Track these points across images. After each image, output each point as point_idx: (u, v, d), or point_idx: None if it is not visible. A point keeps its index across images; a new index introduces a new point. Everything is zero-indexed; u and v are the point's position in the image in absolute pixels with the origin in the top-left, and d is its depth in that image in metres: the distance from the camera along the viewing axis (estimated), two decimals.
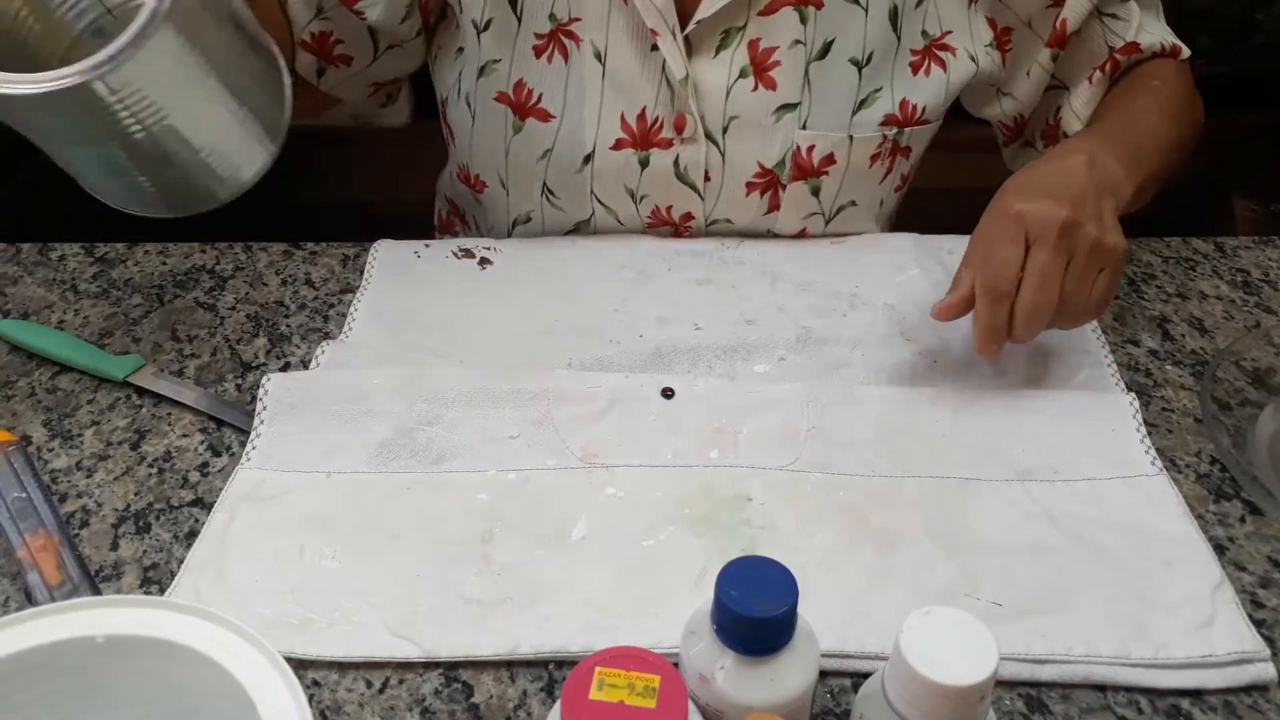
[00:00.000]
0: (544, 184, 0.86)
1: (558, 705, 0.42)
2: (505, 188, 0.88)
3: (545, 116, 0.83)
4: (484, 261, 0.86)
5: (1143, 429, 0.69)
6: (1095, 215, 0.66)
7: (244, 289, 0.84)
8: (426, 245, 0.87)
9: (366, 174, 1.60)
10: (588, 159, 0.83)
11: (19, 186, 1.24)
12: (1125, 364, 0.76)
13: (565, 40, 0.80)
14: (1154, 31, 0.84)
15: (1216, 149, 1.92)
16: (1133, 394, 0.72)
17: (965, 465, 0.67)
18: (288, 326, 0.80)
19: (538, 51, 0.81)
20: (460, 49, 0.86)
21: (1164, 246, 0.90)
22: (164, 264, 0.86)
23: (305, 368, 0.75)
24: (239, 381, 0.75)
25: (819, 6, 0.79)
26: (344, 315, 0.80)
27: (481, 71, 0.83)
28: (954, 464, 0.66)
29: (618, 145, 0.83)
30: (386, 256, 0.86)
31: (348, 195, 1.67)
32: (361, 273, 0.84)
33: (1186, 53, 0.85)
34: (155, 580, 0.60)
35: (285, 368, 0.76)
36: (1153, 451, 0.68)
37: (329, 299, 0.82)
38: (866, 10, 0.79)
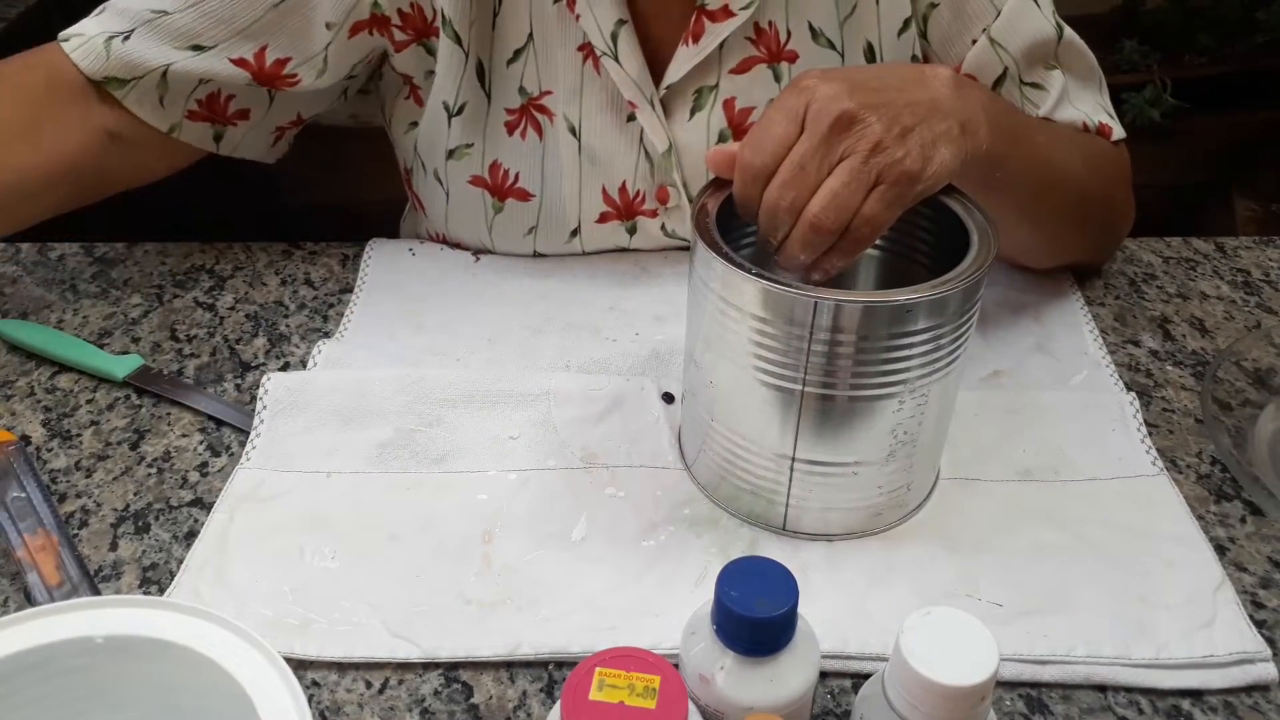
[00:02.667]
0: (534, 250, 0.84)
1: (558, 706, 0.42)
2: (494, 254, 0.86)
3: (525, 196, 0.80)
4: (478, 253, 0.86)
5: (1143, 429, 0.69)
6: (900, 123, 0.55)
7: (243, 289, 0.84)
8: (421, 242, 0.87)
9: (366, 173, 1.60)
10: (574, 232, 0.82)
11: None
12: (1126, 364, 0.76)
13: (537, 115, 0.78)
14: (1081, 106, 0.78)
15: (1217, 149, 1.93)
16: (1133, 394, 0.72)
17: (966, 465, 0.67)
18: (287, 326, 0.80)
19: (510, 128, 0.79)
20: (414, 123, 0.82)
21: (1164, 246, 0.90)
22: (163, 264, 0.86)
23: (304, 367, 0.75)
24: (238, 381, 0.75)
25: (792, 61, 0.76)
26: (343, 315, 0.80)
27: (451, 154, 0.80)
28: (954, 464, 0.66)
29: (602, 219, 0.81)
30: (381, 255, 0.86)
31: (348, 195, 1.66)
32: (359, 273, 0.84)
33: (1118, 134, 0.79)
34: (154, 580, 0.60)
35: (285, 367, 0.76)
36: (1153, 452, 0.68)
37: (328, 299, 0.82)
38: (843, 55, 0.77)
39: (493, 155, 0.80)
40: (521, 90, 0.78)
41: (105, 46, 0.74)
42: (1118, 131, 0.79)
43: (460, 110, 0.78)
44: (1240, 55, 1.89)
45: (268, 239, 0.89)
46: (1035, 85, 0.77)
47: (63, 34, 0.75)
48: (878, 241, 0.66)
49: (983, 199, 0.60)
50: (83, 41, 0.74)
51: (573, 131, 0.78)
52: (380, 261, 0.85)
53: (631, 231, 0.82)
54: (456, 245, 0.87)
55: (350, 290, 0.83)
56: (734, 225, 0.60)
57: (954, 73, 0.59)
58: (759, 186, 0.56)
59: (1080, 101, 0.79)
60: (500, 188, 0.80)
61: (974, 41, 0.76)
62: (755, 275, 0.54)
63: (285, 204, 1.77)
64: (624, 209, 0.81)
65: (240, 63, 0.75)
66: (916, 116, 0.55)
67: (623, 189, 0.80)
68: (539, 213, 0.81)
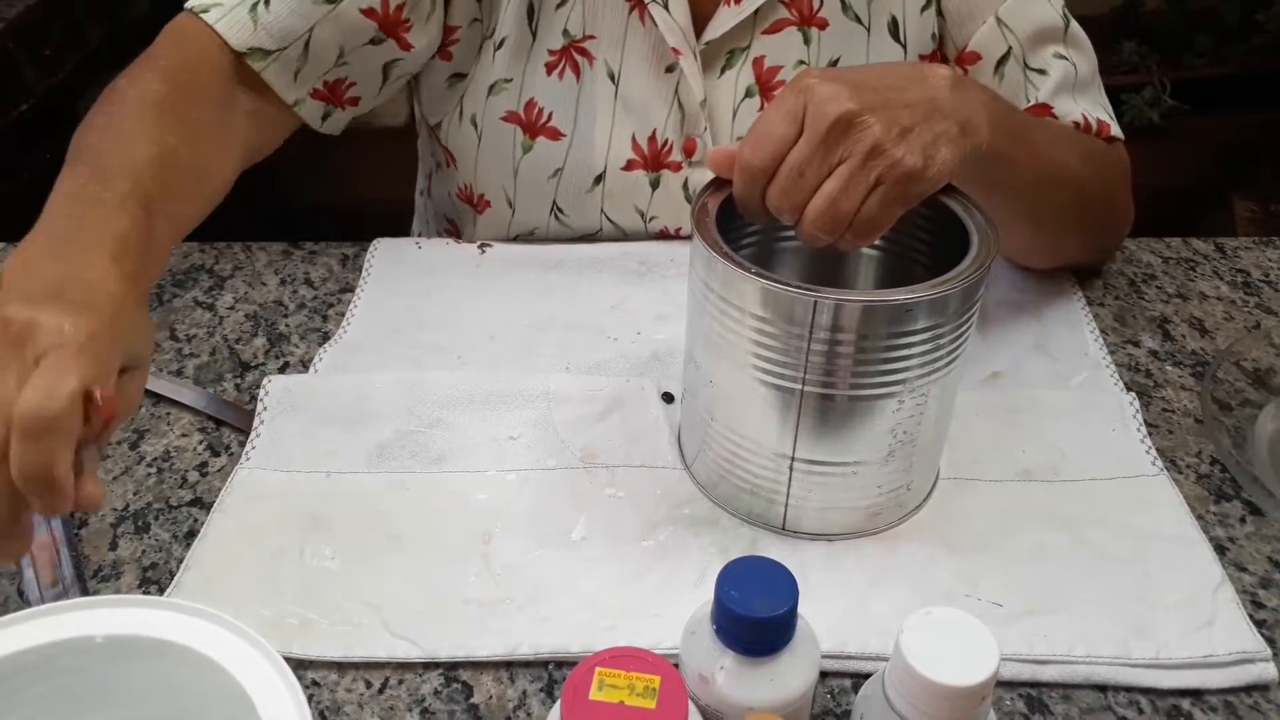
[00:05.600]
0: (554, 202, 0.85)
1: (557, 705, 0.42)
2: (512, 206, 0.86)
3: (555, 135, 0.82)
4: (483, 245, 0.86)
5: (1143, 429, 0.69)
6: (899, 124, 0.55)
7: (243, 289, 0.84)
8: (426, 238, 0.88)
9: (366, 173, 1.60)
10: (599, 179, 0.83)
11: (19, 185, 1.24)
12: (1126, 364, 0.76)
13: (578, 57, 0.80)
14: (1081, 102, 0.79)
15: (1216, 150, 1.93)
16: (1133, 394, 0.72)
17: (965, 465, 0.67)
18: (286, 326, 0.80)
19: (549, 68, 0.81)
20: (459, 74, 0.84)
21: (1164, 247, 0.90)
22: None
23: (305, 367, 0.75)
24: (238, 381, 0.75)
25: (822, 27, 0.79)
26: (343, 315, 0.80)
27: (491, 90, 0.82)
28: (954, 464, 0.66)
29: (629, 166, 0.83)
30: (385, 253, 0.86)
31: (347, 195, 1.67)
32: (360, 272, 0.84)
33: (1115, 132, 0.79)
34: (154, 580, 0.60)
35: (284, 367, 0.76)
36: (1153, 452, 0.68)
37: (328, 298, 0.82)
38: (868, 28, 0.79)
39: (530, 93, 0.82)
40: (565, 33, 0.80)
41: (251, 16, 0.73)
42: (1115, 130, 0.80)
43: (501, 44, 0.80)
44: (1239, 56, 1.89)
45: (268, 239, 0.89)
46: (1039, 70, 0.78)
47: (195, 5, 0.74)
48: (877, 241, 0.67)
49: (983, 198, 0.60)
50: (224, 13, 0.74)
51: (611, 78, 0.80)
52: (384, 258, 0.85)
53: (655, 185, 0.83)
54: (480, 200, 0.87)
55: (350, 290, 0.83)
56: (734, 225, 0.60)
57: (953, 72, 0.60)
58: (759, 186, 0.56)
59: (1081, 97, 0.79)
60: (533, 124, 0.82)
61: (984, 22, 0.78)
62: (755, 275, 0.54)
63: (285, 204, 1.77)
64: (651, 158, 0.82)
65: (369, 12, 0.77)
66: (916, 117, 0.56)
67: (652, 138, 0.82)
68: (567, 154, 0.83)
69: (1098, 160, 0.77)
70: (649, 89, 0.81)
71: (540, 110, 0.82)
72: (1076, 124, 0.79)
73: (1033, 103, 0.79)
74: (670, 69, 0.80)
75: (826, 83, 0.55)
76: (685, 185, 0.84)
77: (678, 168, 0.83)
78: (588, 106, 0.81)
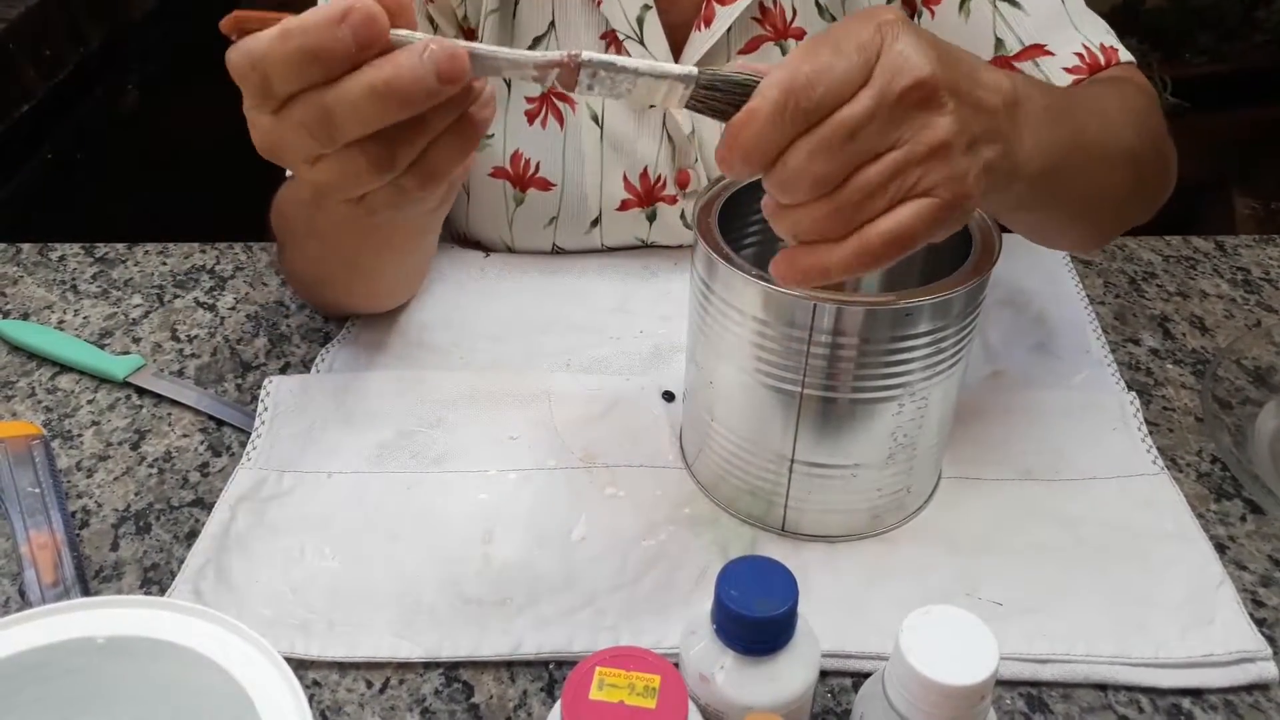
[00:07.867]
0: (553, 243, 0.85)
1: (558, 705, 0.42)
2: (511, 250, 0.86)
3: (546, 185, 0.81)
4: (488, 251, 0.86)
5: (1144, 428, 0.69)
6: (970, 130, 0.44)
7: (244, 289, 0.84)
8: None
9: None
10: (595, 221, 0.83)
11: (19, 187, 1.24)
12: (1126, 363, 0.76)
13: (558, 103, 0.79)
14: (1081, 30, 0.72)
15: (1217, 147, 1.93)
16: (1133, 393, 0.72)
17: (966, 464, 0.67)
18: (288, 326, 0.80)
19: (530, 117, 0.79)
20: None
21: (1164, 245, 0.90)
22: (164, 264, 0.86)
23: (306, 368, 0.75)
24: (239, 381, 0.75)
25: (799, 38, 0.77)
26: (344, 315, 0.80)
27: None
28: (955, 463, 0.66)
29: (623, 206, 0.82)
30: None
31: None
32: None
33: (1125, 56, 0.72)
34: (155, 581, 0.60)
35: (285, 368, 0.76)
36: (1154, 450, 0.68)
37: None
38: None
39: (514, 145, 0.80)
40: None
41: None
42: (1124, 53, 0.73)
43: None
44: (1240, 54, 1.89)
45: (268, 239, 0.89)
46: (1012, 3, 0.71)
47: None
48: None
49: (1034, 216, 0.55)
50: None
51: (595, 120, 0.79)
52: None
53: (651, 219, 0.83)
54: (476, 244, 0.87)
55: None
56: (736, 225, 0.60)
57: (1013, 84, 0.48)
58: (792, 127, 0.42)
59: (1081, 24, 0.73)
60: (522, 177, 0.81)
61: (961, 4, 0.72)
62: (756, 277, 0.54)
63: None
64: (644, 195, 0.81)
65: None
66: (982, 126, 0.45)
67: (644, 175, 0.81)
68: (560, 203, 0.82)
69: (1142, 116, 0.67)
70: (635, 127, 0.79)
71: (528, 162, 0.80)
72: (1079, 55, 0.71)
73: (1016, 50, 0.71)
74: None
75: (910, 31, 0.43)
76: (683, 216, 0.83)
77: (673, 200, 0.82)
78: (575, 153, 0.80)
